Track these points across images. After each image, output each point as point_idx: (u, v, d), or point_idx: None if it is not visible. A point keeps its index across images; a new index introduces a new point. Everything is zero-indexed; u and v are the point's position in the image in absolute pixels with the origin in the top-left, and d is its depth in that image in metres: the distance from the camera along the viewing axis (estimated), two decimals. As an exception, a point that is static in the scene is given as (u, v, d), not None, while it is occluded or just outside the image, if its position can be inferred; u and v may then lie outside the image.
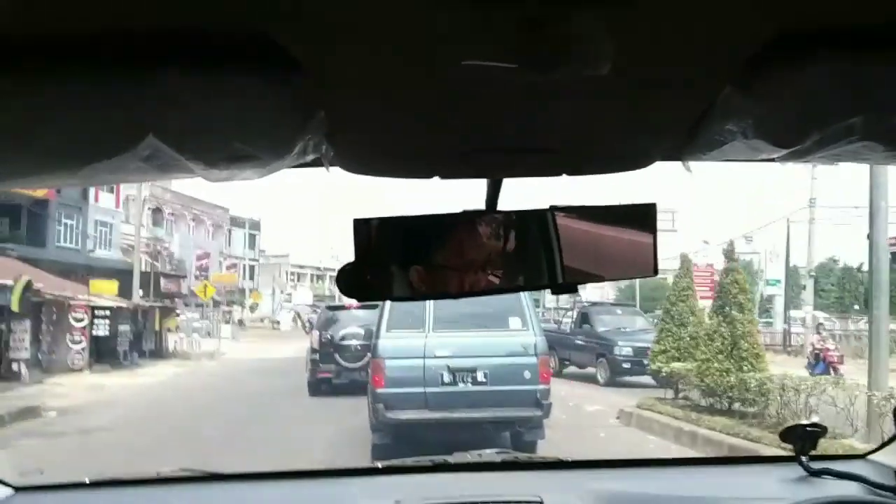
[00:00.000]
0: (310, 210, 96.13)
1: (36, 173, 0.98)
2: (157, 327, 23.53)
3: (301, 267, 69.19)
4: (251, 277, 61.72)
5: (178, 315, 25.73)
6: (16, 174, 0.97)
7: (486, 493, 1.87)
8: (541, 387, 7.99)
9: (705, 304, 13.11)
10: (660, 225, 1.25)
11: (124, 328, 20.58)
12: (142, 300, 25.00)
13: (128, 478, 2.00)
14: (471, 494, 1.88)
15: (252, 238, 63.12)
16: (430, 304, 7.34)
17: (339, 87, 0.87)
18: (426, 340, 8.00)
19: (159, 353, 23.33)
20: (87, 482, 1.90)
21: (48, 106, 0.78)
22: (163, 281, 36.56)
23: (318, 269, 66.23)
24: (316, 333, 13.55)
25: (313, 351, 13.37)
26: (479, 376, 7.98)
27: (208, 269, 45.16)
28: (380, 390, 7.89)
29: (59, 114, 0.80)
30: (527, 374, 8.00)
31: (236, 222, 56.42)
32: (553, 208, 1.14)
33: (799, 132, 0.90)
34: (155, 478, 1.98)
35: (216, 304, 40.29)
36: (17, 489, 1.80)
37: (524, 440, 8.04)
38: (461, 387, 7.95)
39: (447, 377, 7.94)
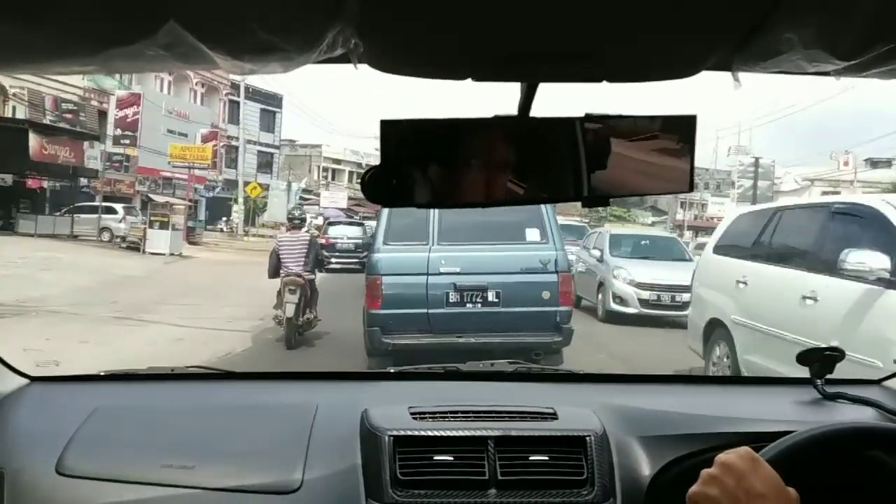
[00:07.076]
0: (353, 87, 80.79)
1: (50, 57, 0.95)
2: None
3: (337, 161, 54.05)
4: (267, 170, 47.05)
5: None
6: (28, 57, 0.95)
7: (499, 401, 1.81)
8: (561, 308, 7.26)
9: None
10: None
11: None
12: None
13: (142, 372, 2.06)
14: (484, 402, 1.81)
15: (270, 117, 48.07)
16: (434, 213, 6.90)
17: None
18: (430, 255, 7.13)
19: None
20: (102, 374, 2.00)
21: None
22: (38, 142, 21.54)
23: (360, 165, 51.05)
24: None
25: None
26: (490, 296, 7.15)
27: (137, 128, 29.35)
28: (375, 311, 7.07)
29: None
30: (545, 294, 7.18)
31: (240, 90, 40.98)
32: (588, 116, 1.11)
33: (864, 44, 0.89)
34: (168, 373, 2.06)
35: (147, 201, 25.29)
36: (33, 379, 1.85)
37: None
38: (469, 308, 7.11)
39: (453, 297, 7.11)
